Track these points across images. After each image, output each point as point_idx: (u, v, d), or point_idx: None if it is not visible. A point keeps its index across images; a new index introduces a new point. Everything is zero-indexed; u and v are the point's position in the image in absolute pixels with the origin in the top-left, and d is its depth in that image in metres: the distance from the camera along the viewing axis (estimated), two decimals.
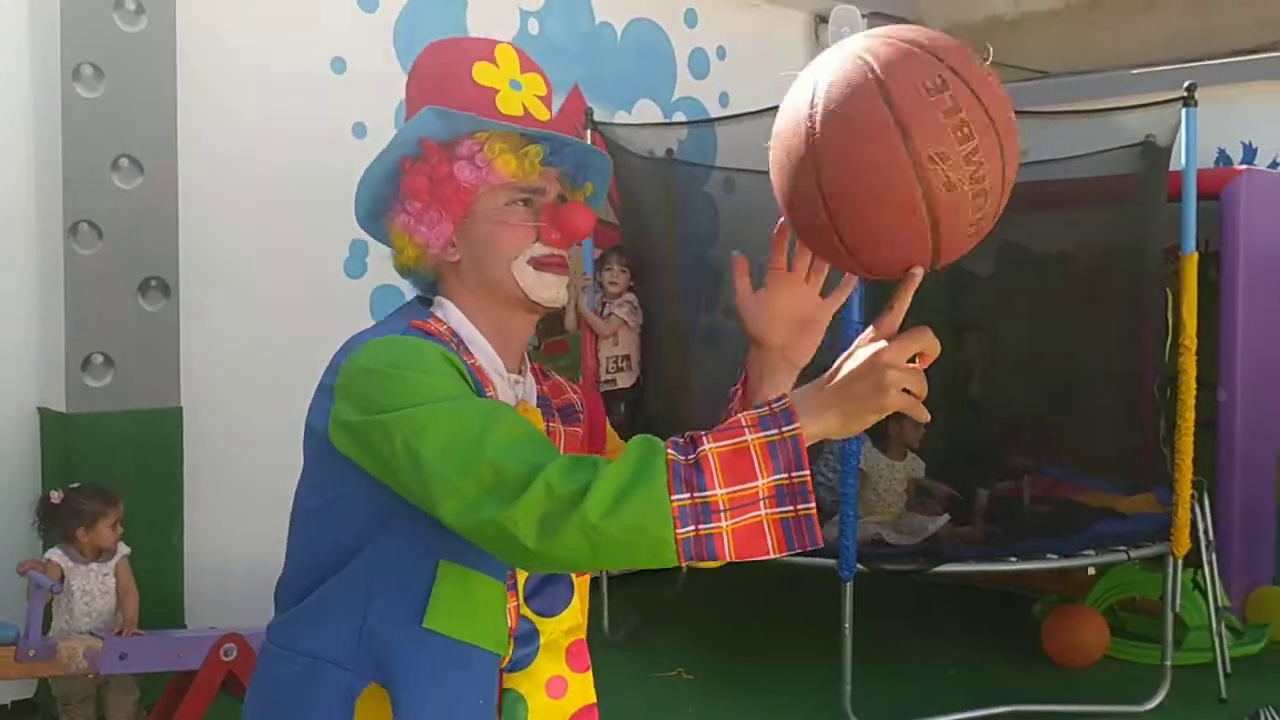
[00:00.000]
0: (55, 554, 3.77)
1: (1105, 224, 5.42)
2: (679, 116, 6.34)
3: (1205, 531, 4.61)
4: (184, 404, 4.49)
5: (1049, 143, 5.69)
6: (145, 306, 4.35)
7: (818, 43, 6.96)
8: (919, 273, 1.29)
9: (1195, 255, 4.42)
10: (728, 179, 6.49)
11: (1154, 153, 4.93)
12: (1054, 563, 4.41)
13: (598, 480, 1.20)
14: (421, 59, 1.56)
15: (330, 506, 1.46)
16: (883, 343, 1.28)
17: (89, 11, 4.13)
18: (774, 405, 1.28)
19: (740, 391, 1.54)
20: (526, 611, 1.46)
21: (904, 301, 1.31)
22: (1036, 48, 6.90)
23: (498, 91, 1.48)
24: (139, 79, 4.27)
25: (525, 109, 1.49)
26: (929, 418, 1.32)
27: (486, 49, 1.52)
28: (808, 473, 1.22)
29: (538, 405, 1.55)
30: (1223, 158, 5.90)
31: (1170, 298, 4.65)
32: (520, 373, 1.53)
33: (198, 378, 4.57)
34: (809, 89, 1.31)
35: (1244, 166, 5.71)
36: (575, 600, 1.52)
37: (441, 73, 1.52)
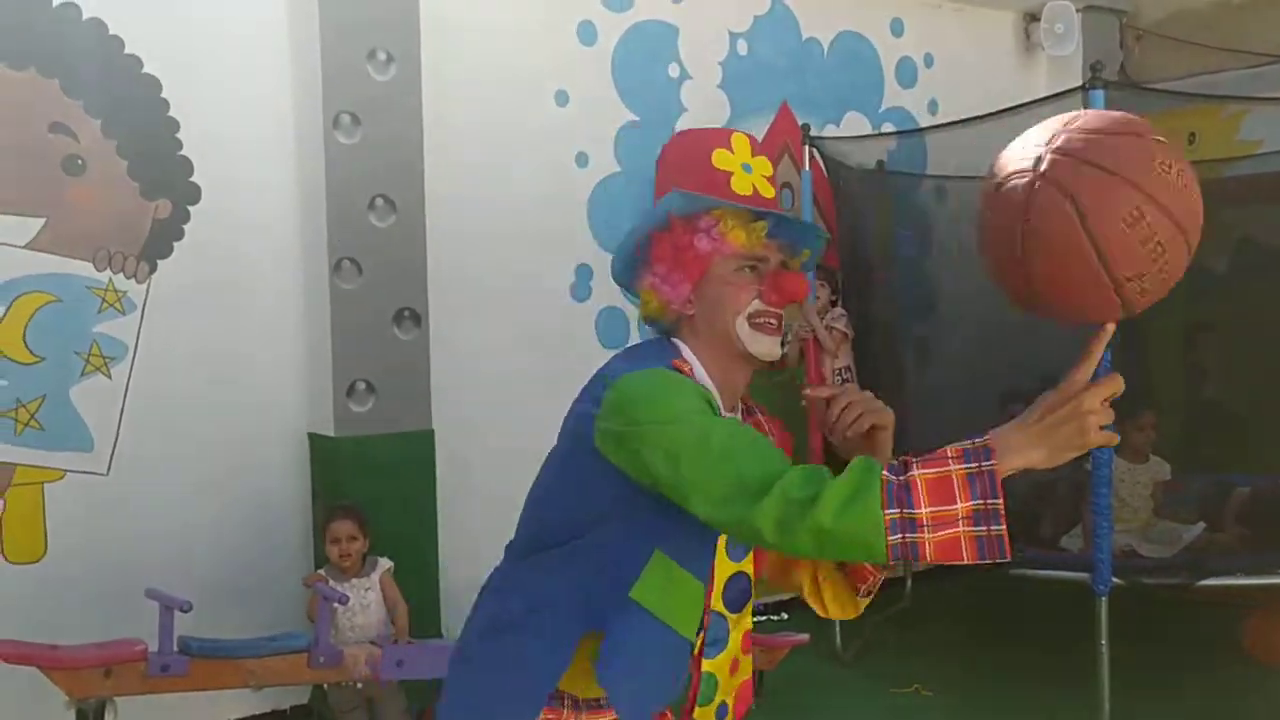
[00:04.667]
0: (323, 571, 4.04)
1: None
2: (887, 127, 6.29)
3: None
4: (435, 426, 4.74)
5: None
6: (400, 335, 4.63)
7: (1029, 41, 6.79)
8: (1111, 328, 1.50)
9: None
10: (939, 186, 6.40)
11: None
12: None
13: (825, 492, 1.45)
14: (669, 148, 1.88)
15: (572, 490, 1.77)
16: (1082, 389, 1.48)
17: (346, 62, 4.44)
18: (975, 443, 1.49)
19: None
20: (720, 608, 1.79)
21: (1097, 353, 1.51)
22: (1269, 29, 6.51)
23: (732, 174, 1.76)
24: (390, 124, 4.56)
25: (754, 188, 1.77)
26: (1118, 440, 1.52)
27: (724, 138, 1.80)
28: (1000, 500, 1.44)
29: None
30: None
31: None
32: (734, 410, 1.82)
33: (447, 401, 4.82)
34: (1015, 208, 1.46)
35: None
36: (749, 606, 1.86)
37: (686, 159, 1.81)
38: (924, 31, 6.49)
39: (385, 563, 4.12)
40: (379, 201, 4.53)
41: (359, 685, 3.94)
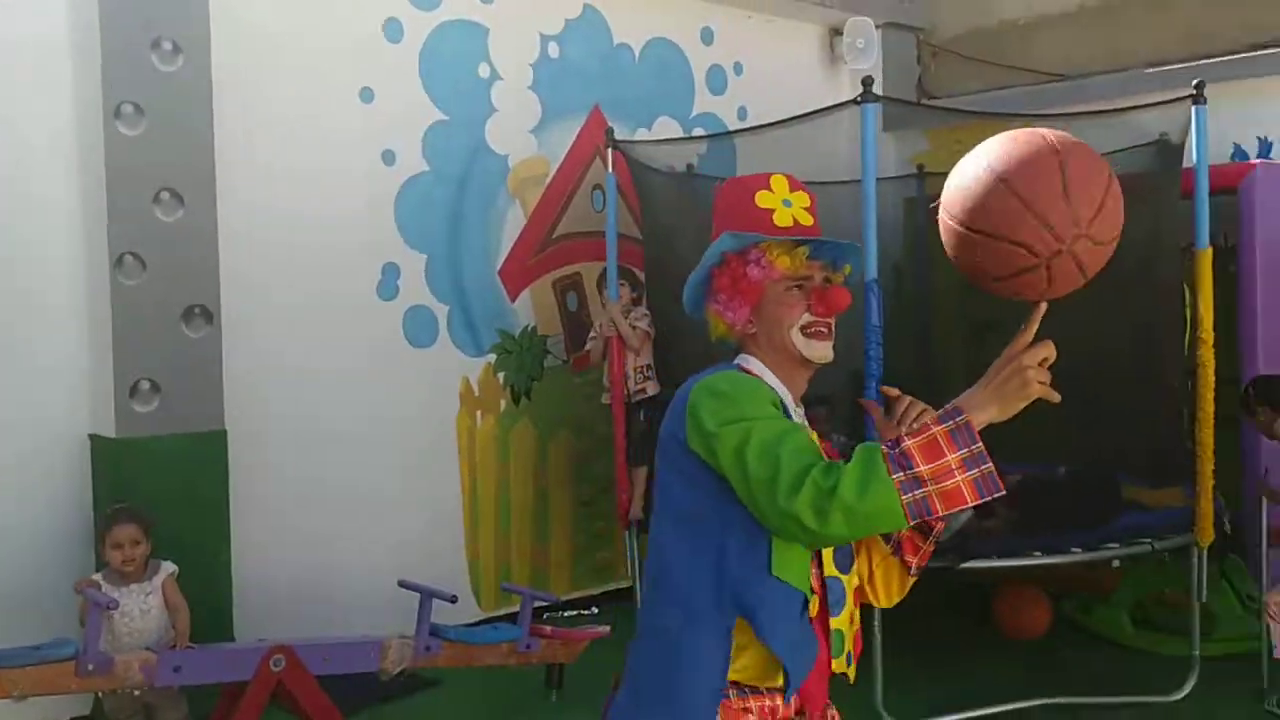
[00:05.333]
0: (97, 577, 3.91)
1: (1124, 222, 5.47)
2: (698, 132, 6.46)
3: (1226, 525, 4.65)
4: (228, 427, 4.65)
5: None
6: (189, 334, 4.53)
7: (832, 54, 7.08)
8: (1044, 305, 1.81)
9: (1210, 250, 4.48)
10: None
11: (1168, 151, 5.00)
12: (1079, 556, 4.46)
13: (844, 476, 1.73)
14: (718, 195, 2.14)
15: (682, 501, 1.98)
16: (1021, 352, 1.79)
17: (128, 50, 4.32)
18: (946, 409, 1.80)
19: None
20: (833, 572, 2.01)
21: (1034, 326, 1.82)
22: (1051, 51, 6.96)
23: (773, 211, 2.05)
24: (177, 116, 4.45)
25: (794, 220, 2.06)
26: (1059, 398, 1.81)
27: (764, 180, 2.09)
28: (981, 444, 1.73)
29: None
30: (1239, 152, 5.94)
31: (1188, 293, 4.71)
32: (799, 405, 2.09)
33: (241, 401, 4.74)
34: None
35: (1259, 160, 5.75)
36: (856, 561, 2.09)
37: (733, 203, 2.09)
38: (734, 41, 6.69)
39: (169, 566, 4.01)
40: (164, 195, 4.42)
41: (135, 693, 3.84)
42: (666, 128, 6.41)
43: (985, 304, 6.58)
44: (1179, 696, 4.52)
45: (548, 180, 5.95)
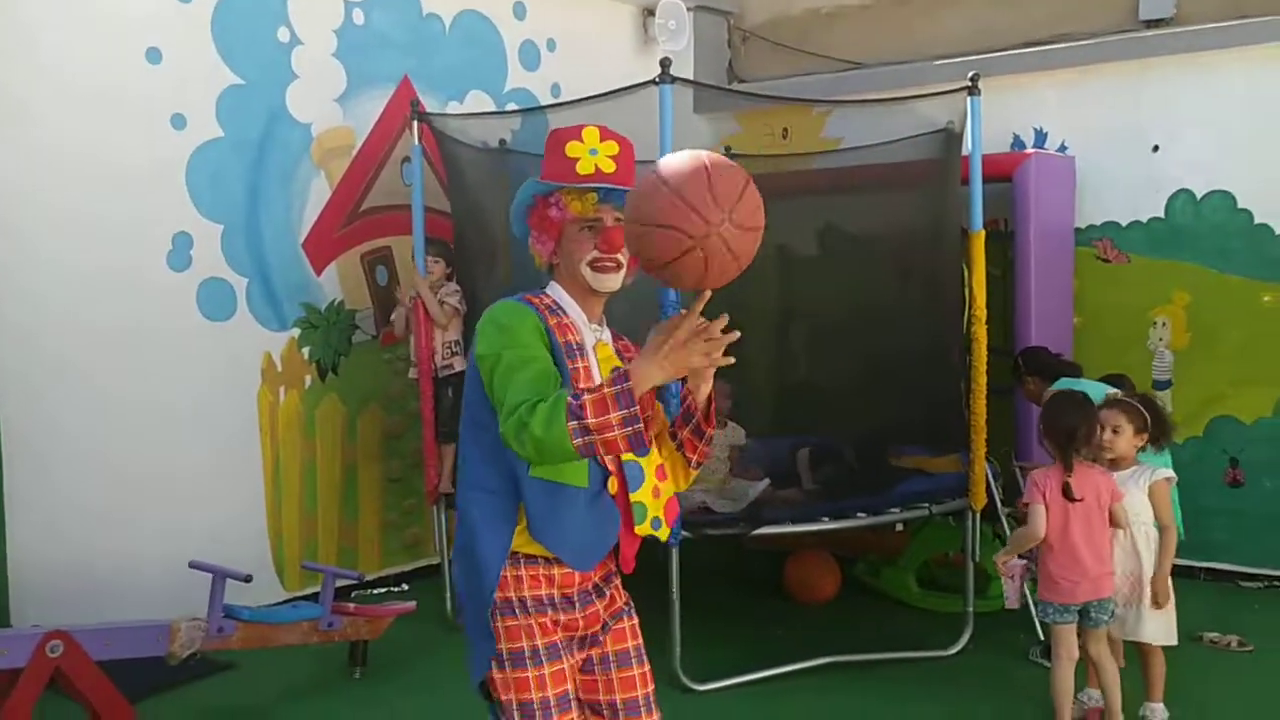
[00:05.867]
0: None
1: (910, 205, 5.77)
2: (510, 107, 6.45)
3: (997, 490, 5.00)
4: (3, 404, 4.39)
5: (862, 130, 6.05)
6: None
7: (646, 35, 7.17)
8: (708, 293, 2.14)
9: (982, 233, 4.79)
10: None
11: (951, 139, 5.28)
12: (863, 521, 4.70)
13: (536, 414, 2.13)
14: (546, 144, 2.41)
15: (476, 399, 2.36)
16: (674, 327, 2.15)
17: None
18: (618, 372, 2.16)
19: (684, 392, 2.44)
20: (630, 457, 2.36)
21: (697, 309, 2.15)
22: (850, 40, 7.25)
23: (579, 159, 2.36)
24: None
25: (596, 167, 2.36)
26: (732, 361, 2.15)
27: (577, 131, 2.40)
28: (637, 408, 2.11)
29: (615, 352, 2.46)
30: (1017, 142, 6.35)
31: (966, 273, 5.01)
32: (600, 324, 2.45)
33: (18, 385, 4.49)
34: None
35: (1034, 150, 6.16)
36: (653, 449, 2.44)
37: (548, 149, 2.41)
38: (546, 17, 6.70)
39: None
40: None
41: None
42: (479, 101, 6.37)
43: (794, 281, 6.75)
44: (954, 650, 4.84)
45: (354, 151, 5.84)
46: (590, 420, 2.10)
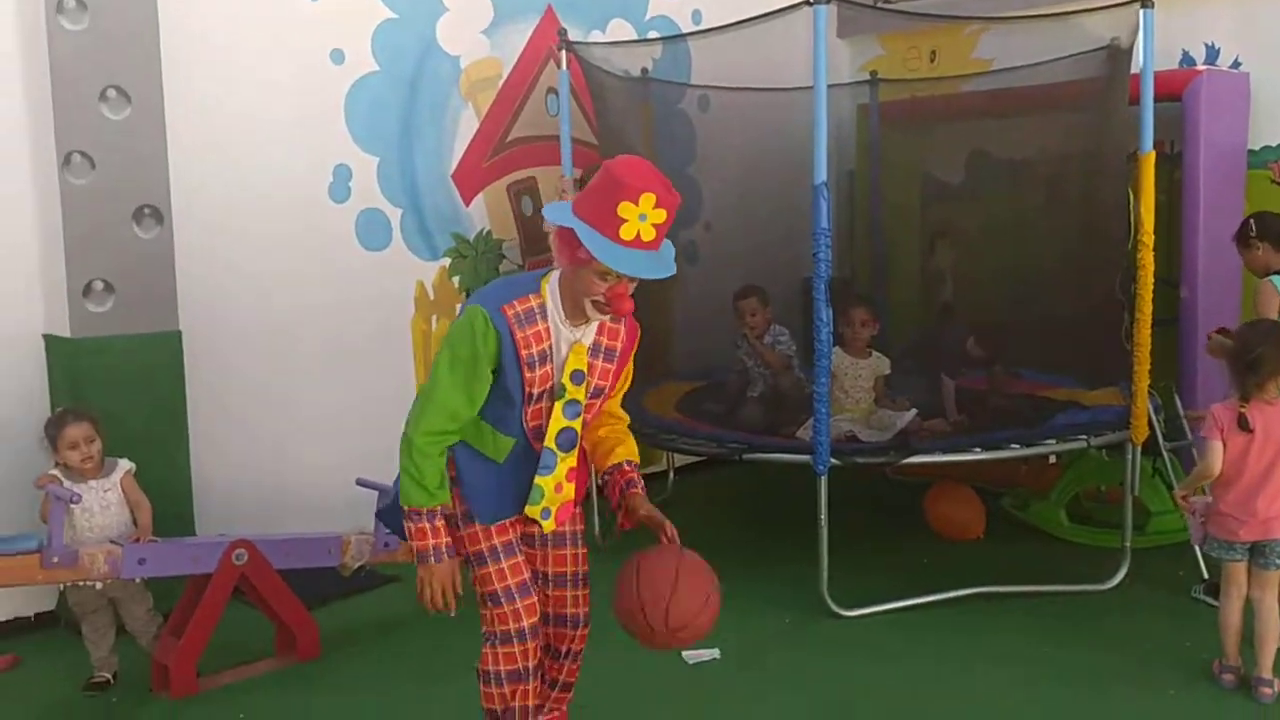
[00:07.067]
0: (56, 472, 3.92)
1: (1071, 128, 5.55)
2: (652, 35, 6.41)
3: (1160, 424, 4.83)
4: (183, 328, 4.65)
5: (1016, 50, 5.81)
6: (140, 234, 4.49)
7: None
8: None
9: (1152, 154, 4.57)
10: (703, 96, 6.59)
11: (1117, 56, 5.05)
12: (1017, 452, 4.62)
13: (410, 449, 2.71)
14: (604, 170, 2.59)
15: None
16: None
17: None
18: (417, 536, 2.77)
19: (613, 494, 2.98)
20: (552, 445, 2.80)
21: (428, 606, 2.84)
22: None
23: (625, 223, 2.53)
24: (121, 11, 4.35)
25: (638, 234, 2.55)
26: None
27: (635, 193, 2.53)
28: (412, 537, 2.79)
29: (590, 347, 2.78)
30: (1186, 59, 6.00)
31: (1132, 198, 4.81)
32: (579, 326, 2.74)
33: (196, 303, 4.74)
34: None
35: (1205, 67, 5.82)
36: (577, 449, 2.88)
37: (603, 194, 2.57)
38: None
39: (126, 464, 4.04)
40: (111, 93, 4.35)
41: (98, 586, 3.90)
42: (620, 29, 6.35)
43: (938, 209, 6.69)
44: (1109, 585, 4.74)
45: (501, 82, 5.90)
46: (405, 515, 2.75)
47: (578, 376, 2.77)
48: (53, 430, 3.94)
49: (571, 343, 2.74)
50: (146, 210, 4.49)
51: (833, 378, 4.60)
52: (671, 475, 6.44)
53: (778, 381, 5.36)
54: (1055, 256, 5.55)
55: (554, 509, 2.86)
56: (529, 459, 2.81)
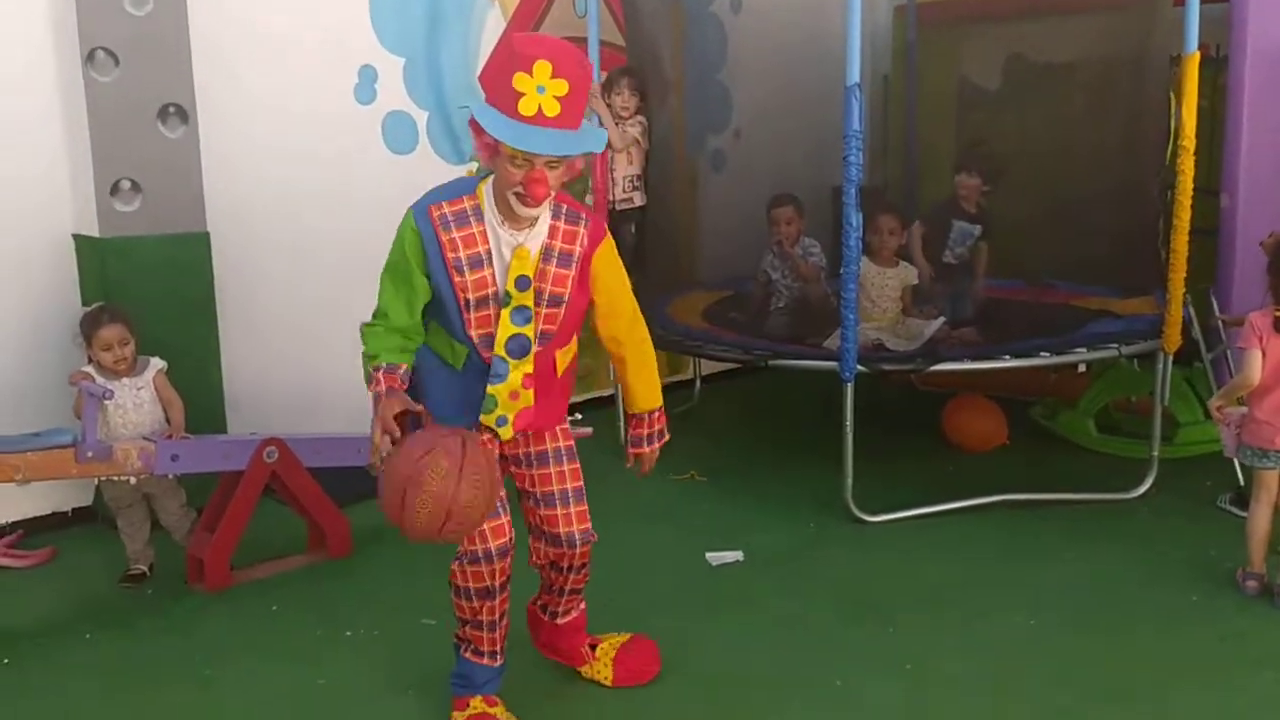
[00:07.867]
0: (88, 369, 3.96)
1: (1114, 29, 5.39)
2: None
3: (1196, 331, 4.76)
4: (210, 228, 4.65)
5: None
6: (166, 133, 4.47)
7: None
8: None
9: (1196, 55, 4.43)
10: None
11: None
12: (1046, 360, 4.57)
13: (368, 330, 2.73)
14: (499, 47, 2.42)
15: None
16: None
17: None
18: (384, 387, 2.67)
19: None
20: (501, 353, 2.70)
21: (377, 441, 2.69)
22: None
23: (523, 96, 2.39)
24: None
25: (540, 108, 2.39)
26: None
27: (528, 63, 2.37)
28: (381, 390, 2.65)
29: (542, 251, 2.66)
30: None
31: (1174, 102, 4.68)
32: (522, 230, 2.63)
33: (222, 203, 4.73)
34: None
35: None
36: (531, 357, 2.73)
37: (497, 70, 2.44)
38: None
39: (158, 363, 4.08)
40: None
41: (132, 481, 3.97)
42: None
43: (975, 116, 6.53)
44: (1136, 494, 4.73)
45: None
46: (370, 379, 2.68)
47: (523, 282, 2.63)
48: (87, 328, 3.97)
49: (514, 246, 2.61)
50: (171, 109, 4.46)
51: (860, 287, 4.55)
52: (698, 383, 6.46)
53: (805, 293, 5.31)
54: (1093, 163, 5.43)
55: (510, 416, 2.74)
56: (484, 368, 2.71)
